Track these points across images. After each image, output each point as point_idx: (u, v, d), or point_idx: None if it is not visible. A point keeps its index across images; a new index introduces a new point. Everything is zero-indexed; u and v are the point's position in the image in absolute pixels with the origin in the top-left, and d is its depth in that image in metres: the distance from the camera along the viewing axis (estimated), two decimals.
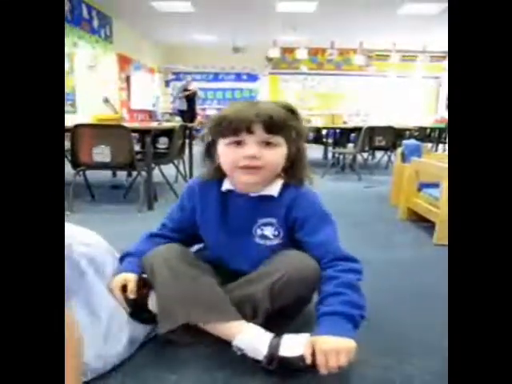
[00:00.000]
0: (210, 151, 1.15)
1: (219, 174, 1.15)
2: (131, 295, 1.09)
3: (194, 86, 8.96)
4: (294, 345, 0.96)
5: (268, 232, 1.14)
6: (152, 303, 1.10)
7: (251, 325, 1.02)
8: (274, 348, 0.96)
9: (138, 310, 1.10)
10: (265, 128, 1.02)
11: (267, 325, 1.03)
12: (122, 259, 1.20)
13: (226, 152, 1.07)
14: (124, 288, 1.10)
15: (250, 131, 1.02)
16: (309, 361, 0.91)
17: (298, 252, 1.10)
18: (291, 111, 1.09)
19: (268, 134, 1.03)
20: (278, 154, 1.07)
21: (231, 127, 1.03)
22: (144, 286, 1.12)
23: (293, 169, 1.14)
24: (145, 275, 1.15)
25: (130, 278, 1.11)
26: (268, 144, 1.04)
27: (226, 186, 1.15)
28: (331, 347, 0.89)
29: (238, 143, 1.04)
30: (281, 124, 1.04)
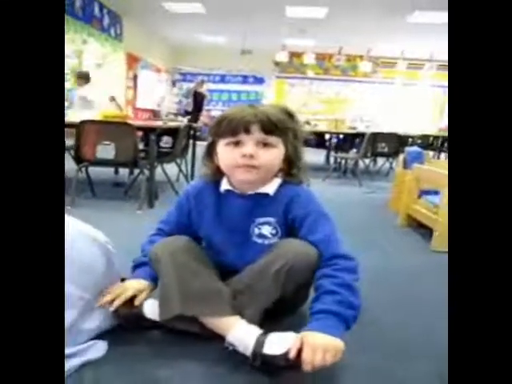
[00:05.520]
0: (210, 152, 1.18)
1: (218, 175, 1.18)
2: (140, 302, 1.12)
3: (205, 88, 8.94)
4: (278, 343, 0.96)
5: (265, 231, 1.15)
6: (148, 310, 1.12)
7: (244, 321, 1.03)
8: (259, 345, 0.97)
9: (136, 319, 1.12)
10: (262, 128, 1.06)
11: (262, 322, 1.05)
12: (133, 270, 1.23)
13: (224, 152, 1.11)
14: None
15: (247, 131, 1.06)
16: (293, 354, 0.90)
17: (297, 240, 1.11)
18: (288, 114, 1.13)
19: (265, 135, 1.07)
20: (274, 155, 1.10)
21: (230, 127, 1.07)
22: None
23: (290, 169, 1.17)
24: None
25: (144, 286, 1.15)
26: (265, 145, 1.08)
27: (224, 186, 1.18)
28: (320, 343, 0.89)
29: (237, 143, 1.08)
30: (277, 125, 1.08)
